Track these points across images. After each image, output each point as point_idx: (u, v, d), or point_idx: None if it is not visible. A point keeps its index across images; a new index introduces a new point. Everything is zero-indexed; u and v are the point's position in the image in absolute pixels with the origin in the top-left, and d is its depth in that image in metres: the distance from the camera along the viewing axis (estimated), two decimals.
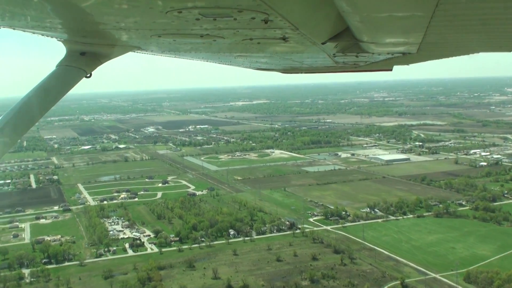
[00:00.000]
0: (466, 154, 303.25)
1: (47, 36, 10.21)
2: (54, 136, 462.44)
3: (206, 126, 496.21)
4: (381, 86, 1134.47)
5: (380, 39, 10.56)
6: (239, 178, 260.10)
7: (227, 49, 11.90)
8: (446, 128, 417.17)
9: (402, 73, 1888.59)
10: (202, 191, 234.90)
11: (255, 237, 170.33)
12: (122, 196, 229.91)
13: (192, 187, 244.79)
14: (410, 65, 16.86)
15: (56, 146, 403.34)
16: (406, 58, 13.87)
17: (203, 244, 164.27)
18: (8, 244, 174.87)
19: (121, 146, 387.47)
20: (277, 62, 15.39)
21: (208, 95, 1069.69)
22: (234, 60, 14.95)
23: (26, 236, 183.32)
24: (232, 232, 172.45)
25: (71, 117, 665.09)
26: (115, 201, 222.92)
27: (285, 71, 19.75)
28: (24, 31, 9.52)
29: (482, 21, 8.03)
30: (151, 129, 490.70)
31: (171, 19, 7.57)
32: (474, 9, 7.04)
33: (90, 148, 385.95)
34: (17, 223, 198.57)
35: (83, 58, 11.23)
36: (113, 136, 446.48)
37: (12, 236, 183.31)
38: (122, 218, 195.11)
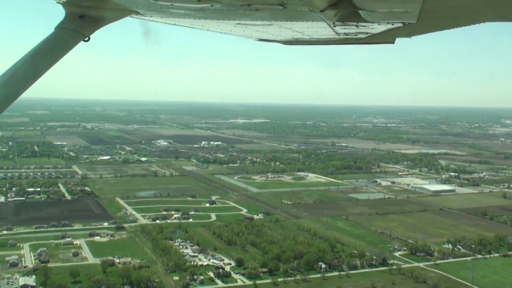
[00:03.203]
0: (508, 188, 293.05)
1: None
2: (64, 143, 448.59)
3: (219, 143, 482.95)
4: (374, 111, 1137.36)
5: (379, 6, 10.63)
6: (288, 202, 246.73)
7: (226, 16, 11.71)
8: (469, 159, 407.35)
9: (394, 100, 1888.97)
10: (257, 215, 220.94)
11: (350, 272, 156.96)
12: (175, 216, 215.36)
13: (244, 209, 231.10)
14: (412, 37, 15.82)
15: (72, 154, 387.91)
16: (407, 29, 13.55)
17: (298, 277, 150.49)
18: (72, 263, 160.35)
19: (143, 159, 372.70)
20: (277, 32, 14.69)
21: (202, 111, 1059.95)
22: (234, 28, 14.24)
23: (88, 255, 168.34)
24: (323, 265, 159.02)
25: (71, 123, 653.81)
26: (168, 221, 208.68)
27: (286, 42, 18.19)
28: None
29: None
30: (163, 143, 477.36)
31: None
32: None
33: (110, 159, 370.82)
34: (70, 239, 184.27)
35: (81, 21, 11.18)
36: (127, 148, 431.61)
37: (72, 254, 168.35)
38: (188, 241, 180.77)
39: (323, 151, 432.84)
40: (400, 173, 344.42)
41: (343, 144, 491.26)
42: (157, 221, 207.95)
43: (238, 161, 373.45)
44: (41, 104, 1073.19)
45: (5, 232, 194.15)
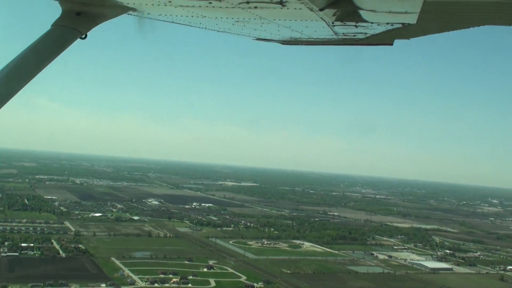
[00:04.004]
0: (504, 270, 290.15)
1: None
2: (54, 197, 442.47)
3: (211, 205, 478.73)
4: (362, 181, 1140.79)
5: (379, 6, 10.71)
6: (287, 271, 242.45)
7: (225, 14, 11.70)
8: (462, 237, 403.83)
9: (380, 171, 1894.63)
10: (258, 283, 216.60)
11: None
12: (174, 280, 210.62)
13: (243, 277, 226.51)
14: (411, 38, 15.89)
15: (63, 209, 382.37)
16: (406, 30, 13.50)
17: None
18: None
19: (135, 218, 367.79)
20: (276, 31, 14.53)
21: (190, 171, 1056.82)
22: (233, 27, 14.04)
23: None
24: None
25: (60, 177, 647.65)
26: (167, 285, 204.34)
27: (285, 42, 17.71)
28: None
29: None
30: (155, 202, 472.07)
31: None
32: None
33: (102, 216, 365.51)
34: None
35: (78, 19, 11.21)
36: (118, 205, 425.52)
37: None
38: None
39: (316, 219, 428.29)
40: (395, 247, 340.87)
41: (335, 213, 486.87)
42: (156, 285, 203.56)
43: (232, 225, 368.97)
44: (28, 156, 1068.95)
45: None
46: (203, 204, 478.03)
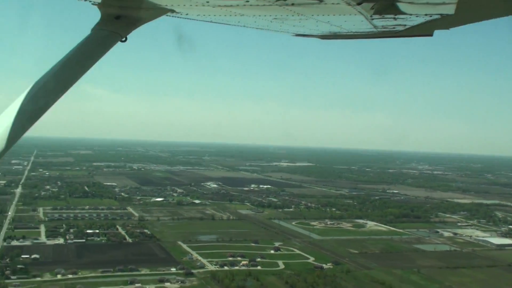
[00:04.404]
0: None
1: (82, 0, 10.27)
2: (114, 184, 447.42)
3: (269, 186, 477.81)
4: (417, 157, 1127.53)
5: None
6: (354, 251, 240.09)
7: (262, 11, 11.69)
8: None
9: (435, 146, 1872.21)
10: (326, 264, 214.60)
11: None
12: (243, 262, 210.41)
13: (311, 258, 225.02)
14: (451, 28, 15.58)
15: (124, 195, 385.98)
16: (445, 21, 13.33)
17: None
18: None
19: (197, 201, 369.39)
20: (314, 26, 14.57)
21: (244, 153, 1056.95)
22: (271, 24, 13.94)
23: None
24: None
25: (117, 164, 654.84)
26: (236, 268, 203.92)
27: (324, 36, 17.44)
28: None
29: None
30: (213, 185, 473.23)
31: None
32: None
33: (163, 200, 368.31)
34: (140, 285, 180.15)
35: (118, 22, 11.28)
36: (178, 189, 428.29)
37: None
38: None
39: (376, 197, 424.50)
40: (459, 224, 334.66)
41: (394, 191, 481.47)
42: (225, 268, 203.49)
43: (292, 206, 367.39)
44: (83, 144, 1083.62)
45: (70, 276, 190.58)
46: (261, 186, 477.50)
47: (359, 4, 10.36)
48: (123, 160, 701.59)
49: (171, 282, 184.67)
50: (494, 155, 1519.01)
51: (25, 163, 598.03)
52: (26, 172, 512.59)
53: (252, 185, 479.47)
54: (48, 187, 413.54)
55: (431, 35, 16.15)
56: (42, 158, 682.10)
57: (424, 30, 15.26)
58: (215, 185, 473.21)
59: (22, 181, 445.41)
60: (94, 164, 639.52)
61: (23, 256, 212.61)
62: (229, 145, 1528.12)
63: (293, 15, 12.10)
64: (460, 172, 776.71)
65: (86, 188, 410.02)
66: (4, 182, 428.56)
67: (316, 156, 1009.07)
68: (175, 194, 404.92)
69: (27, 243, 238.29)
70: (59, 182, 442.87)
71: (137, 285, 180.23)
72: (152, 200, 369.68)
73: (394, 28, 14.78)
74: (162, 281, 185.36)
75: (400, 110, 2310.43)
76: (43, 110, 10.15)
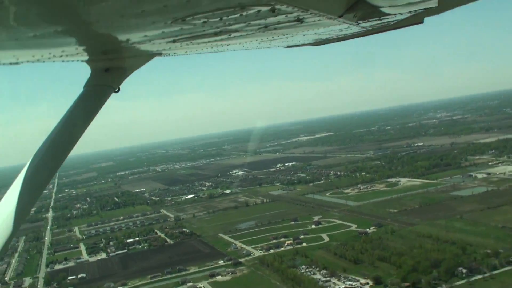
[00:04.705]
0: None
1: (68, 61, 10.12)
2: (142, 189, 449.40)
3: (294, 163, 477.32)
4: (433, 106, 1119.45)
5: (397, 1, 10.63)
6: (394, 210, 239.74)
7: (248, 38, 11.45)
8: None
9: (447, 92, 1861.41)
10: (369, 228, 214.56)
11: (493, 273, 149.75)
12: (287, 242, 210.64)
13: (353, 225, 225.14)
14: None
15: (154, 198, 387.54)
16: (432, 11, 13.48)
17: (444, 287, 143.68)
18: None
19: (227, 191, 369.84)
20: (303, 38, 14.49)
21: (261, 134, 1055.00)
22: (259, 44, 13.95)
23: None
24: (463, 270, 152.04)
25: (140, 169, 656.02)
26: (282, 249, 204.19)
27: (316, 43, 17.59)
28: (43, 62, 9.39)
29: None
30: (239, 172, 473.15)
31: (179, 26, 7.96)
32: None
33: (195, 196, 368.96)
34: (192, 283, 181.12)
35: (108, 74, 11.32)
36: (206, 183, 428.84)
37: None
38: (313, 267, 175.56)
39: (403, 153, 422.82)
40: (490, 163, 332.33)
41: (419, 144, 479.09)
42: (271, 251, 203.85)
43: (322, 178, 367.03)
44: (102, 157, 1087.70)
45: None
46: (286, 164, 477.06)
47: (340, 16, 10.29)
48: (146, 165, 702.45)
49: (222, 275, 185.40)
50: (508, 88, 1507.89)
51: (51, 187, 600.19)
52: (53, 195, 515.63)
53: (278, 165, 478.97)
54: (78, 205, 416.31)
55: (421, 22, 16.17)
56: (65, 178, 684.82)
57: (413, 20, 15.12)
58: (241, 172, 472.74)
59: (52, 204, 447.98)
60: (118, 174, 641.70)
61: (69, 277, 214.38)
62: (244, 130, 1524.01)
63: (278, 36, 12.16)
64: (479, 113, 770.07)
65: (116, 199, 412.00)
66: (34, 209, 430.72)
67: (333, 125, 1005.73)
68: (204, 188, 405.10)
69: (71, 264, 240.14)
70: (88, 199, 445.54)
71: (189, 284, 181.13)
72: (183, 198, 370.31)
73: (382, 25, 14.60)
74: (212, 275, 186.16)
75: (407, 63, 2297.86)
76: (51, 174, 10.16)
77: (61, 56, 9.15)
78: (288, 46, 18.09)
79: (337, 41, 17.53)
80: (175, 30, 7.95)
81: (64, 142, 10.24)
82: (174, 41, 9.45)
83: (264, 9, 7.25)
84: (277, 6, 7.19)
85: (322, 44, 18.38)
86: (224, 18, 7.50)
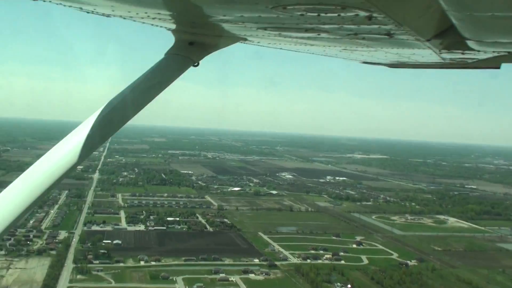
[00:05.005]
0: None
1: (156, 26, 10.58)
2: (190, 172, 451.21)
3: (345, 178, 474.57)
4: (492, 151, 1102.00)
5: (484, 38, 10.34)
6: (438, 248, 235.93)
7: (333, 43, 11.76)
8: None
9: (506, 139, 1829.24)
10: (411, 261, 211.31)
11: None
12: (327, 256, 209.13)
13: (395, 254, 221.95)
14: None
15: (201, 183, 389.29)
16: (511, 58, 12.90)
17: None
18: None
19: (273, 192, 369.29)
20: (383, 56, 14.43)
21: (316, 144, 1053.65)
22: (340, 53, 14.33)
23: None
24: None
25: (191, 152, 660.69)
26: (319, 261, 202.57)
27: (392, 65, 17.54)
28: (134, 20, 9.88)
29: None
30: (288, 176, 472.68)
31: (276, 14, 8.07)
32: None
33: (241, 190, 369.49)
34: (224, 275, 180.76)
35: (191, 48, 11.51)
36: (254, 179, 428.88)
37: None
38: (348, 286, 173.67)
39: (455, 193, 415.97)
40: None
41: (472, 187, 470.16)
42: (308, 261, 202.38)
43: (371, 199, 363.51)
44: (156, 131, 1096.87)
45: (153, 263, 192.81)
46: (337, 178, 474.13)
47: (428, 40, 10.25)
48: (198, 149, 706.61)
49: (255, 274, 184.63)
50: None
51: (101, 149, 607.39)
52: (102, 158, 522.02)
53: (328, 177, 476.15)
54: (125, 173, 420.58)
55: (498, 67, 15.41)
56: (117, 144, 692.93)
57: (491, 63, 14.53)
58: (290, 176, 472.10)
59: (99, 167, 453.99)
60: (169, 152, 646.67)
61: (105, 241, 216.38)
62: (300, 135, 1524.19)
63: (362, 47, 12.11)
64: None
65: (164, 176, 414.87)
66: (81, 167, 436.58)
67: (389, 149, 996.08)
68: (251, 184, 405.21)
69: (108, 228, 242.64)
70: (136, 169, 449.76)
71: (221, 275, 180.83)
72: (229, 189, 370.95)
73: (461, 60, 14.32)
74: (246, 272, 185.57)
75: (472, 103, 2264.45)
76: (114, 130, 10.51)
77: (153, 19, 9.33)
78: (365, 62, 17.91)
79: (413, 68, 17.50)
80: (272, 16, 7.98)
81: (134, 101, 10.36)
82: (265, 29, 9.51)
83: (362, 14, 7.34)
84: (375, 14, 7.32)
85: (398, 67, 18.26)
86: (322, 14, 7.56)
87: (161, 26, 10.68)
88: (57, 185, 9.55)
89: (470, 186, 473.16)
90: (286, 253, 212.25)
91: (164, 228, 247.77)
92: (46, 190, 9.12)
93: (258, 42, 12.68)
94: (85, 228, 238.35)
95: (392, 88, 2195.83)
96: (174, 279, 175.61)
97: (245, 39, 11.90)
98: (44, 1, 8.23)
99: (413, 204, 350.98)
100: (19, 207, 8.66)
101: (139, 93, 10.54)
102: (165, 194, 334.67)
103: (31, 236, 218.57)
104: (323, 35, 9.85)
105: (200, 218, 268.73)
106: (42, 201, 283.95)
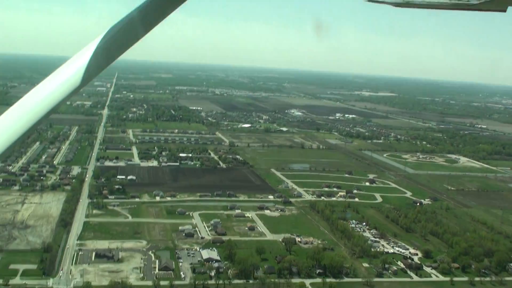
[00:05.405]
0: None
1: None
2: (199, 108, 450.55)
3: (354, 116, 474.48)
4: (500, 91, 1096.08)
5: None
6: (451, 188, 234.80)
7: None
8: None
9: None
10: (425, 200, 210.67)
11: None
12: (340, 194, 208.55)
13: (408, 192, 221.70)
14: None
15: (211, 120, 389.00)
16: None
17: (493, 278, 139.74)
18: (250, 238, 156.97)
19: (284, 129, 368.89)
20: None
21: (324, 80, 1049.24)
22: None
23: (265, 231, 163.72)
24: None
25: (199, 88, 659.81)
26: (334, 199, 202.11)
27: (397, 4, 14.74)
28: None
29: None
30: (297, 113, 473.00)
31: None
32: None
33: (251, 127, 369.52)
34: (240, 211, 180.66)
35: None
36: (263, 116, 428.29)
37: (248, 229, 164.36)
38: (363, 224, 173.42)
39: (466, 132, 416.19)
40: None
41: (483, 126, 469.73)
42: (323, 198, 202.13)
43: (381, 137, 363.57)
44: (163, 67, 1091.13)
45: (169, 198, 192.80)
46: (346, 115, 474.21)
47: None
48: (205, 85, 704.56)
49: (270, 210, 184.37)
50: None
51: (108, 85, 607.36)
52: (110, 94, 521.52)
53: (337, 114, 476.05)
54: (134, 109, 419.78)
55: (504, 10, 13.21)
56: (124, 80, 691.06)
57: (498, 5, 12.62)
58: (299, 113, 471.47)
59: (108, 103, 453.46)
60: (177, 88, 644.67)
61: (119, 176, 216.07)
62: (307, 72, 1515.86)
63: None
64: None
65: (173, 112, 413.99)
66: (89, 103, 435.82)
67: (397, 86, 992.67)
68: (261, 121, 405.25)
69: (121, 164, 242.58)
70: (145, 105, 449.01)
71: (237, 211, 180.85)
72: (239, 126, 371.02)
73: (468, 1, 12.55)
74: (261, 208, 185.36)
75: (485, 44, 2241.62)
76: (117, 54, 9.81)
77: None
78: (370, 0, 14.86)
79: (418, 7, 14.76)
80: None
81: (135, 29, 9.83)
82: None
83: None
84: None
85: (404, 7, 15.16)
86: None
87: None
88: (61, 106, 8.97)
89: (480, 126, 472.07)
90: (300, 190, 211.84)
91: (177, 164, 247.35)
92: (50, 110, 8.55)
93: None
94: (98, 164, 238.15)
95: (399, 27, 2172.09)
96: (191, 215, 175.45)
97: None
98: None
99: (424, 142, 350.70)
100: (25, 124, 8.17)
101: (130, 27, 9.91)
102: (176, 130, 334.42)
103: (44, 171, 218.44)
104: None
105: (212, 155, 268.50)
106: (53, 136, 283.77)
